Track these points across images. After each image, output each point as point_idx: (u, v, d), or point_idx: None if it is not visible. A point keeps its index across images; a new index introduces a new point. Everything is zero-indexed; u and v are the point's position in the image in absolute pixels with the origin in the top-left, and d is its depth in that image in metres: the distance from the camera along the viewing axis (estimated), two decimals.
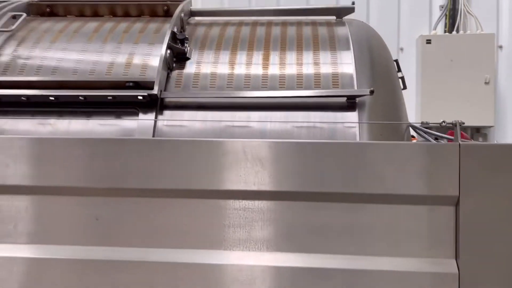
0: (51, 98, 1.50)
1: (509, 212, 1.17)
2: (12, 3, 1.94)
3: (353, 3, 1.93)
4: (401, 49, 4.13)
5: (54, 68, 1.64)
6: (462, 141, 1.21)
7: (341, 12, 1.92)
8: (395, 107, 1.65)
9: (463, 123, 1.25)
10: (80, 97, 1.50)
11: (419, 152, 1.22)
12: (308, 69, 1.62)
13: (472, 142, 1.34)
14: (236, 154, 1.17)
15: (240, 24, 1.89)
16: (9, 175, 1.22)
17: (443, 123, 1.32)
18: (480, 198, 1.19)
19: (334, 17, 1.92)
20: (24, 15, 1.78)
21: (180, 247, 1.22)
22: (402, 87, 1.81)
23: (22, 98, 1.51)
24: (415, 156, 1.21)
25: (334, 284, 1.19)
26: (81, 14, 1.98)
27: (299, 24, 1.87)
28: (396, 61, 1.84)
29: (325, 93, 1.51)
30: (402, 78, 1.80)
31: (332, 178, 1.21)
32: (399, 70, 1.81)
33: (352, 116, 1.50)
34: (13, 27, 1.71)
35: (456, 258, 1.20)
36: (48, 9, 1.97)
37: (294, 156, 1.19)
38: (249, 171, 1.17)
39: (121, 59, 1.64)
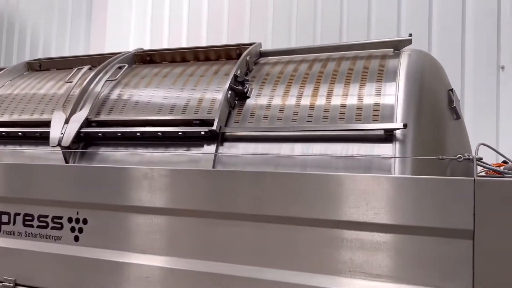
0: (137, 134, 1.89)
1: None
2: (123, 54, 2.43)
3: (410, 35, 1.99)
4: (502, 67, 3.82)
5: (145, 108, 2.04)
6: (478, 176, 1.24)
7: (398, 45, 1.99)
8: (437, 139, 1.68)
9: (481, 158, 1.26)
10: (158, 133, 1.87)
11: (437, 186, 1.28)
12: (352, 101, 1.75)
13: (488, 177, 1.33)
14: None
15: (301, 61, 2.09)
16: (135, 198, 1.60)
17: (460, 157, 1.34)
18: (495, 232, 1.20)
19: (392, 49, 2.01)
20: (126, 66, 2.24)
21: (285, 269, 1.41)
22: (455, 117, 1.82)
23: (118, 134, 1.93)
24: (433, 189, 1.28)
25: None
26: (172, 60, 2.38)
27: (354, 58, 1.99)
28: (451, 90, 1.84)
29: (358, 127, 1.63)
30: (454, 108, 1.80)
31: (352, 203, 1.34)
32: (451, 100, 1.81)
33: (387, 148, 1.59)
34: (117, 76, 2.16)
35: None
36: (148, 58, 2.43)
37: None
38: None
39: (194, 99, 1.97)
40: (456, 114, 1.84)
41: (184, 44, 4.71)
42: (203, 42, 4.58)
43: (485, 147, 2.22)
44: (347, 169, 1.60)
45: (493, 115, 3.57)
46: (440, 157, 1.40)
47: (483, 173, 1.98)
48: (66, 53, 5.20)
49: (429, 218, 1.28)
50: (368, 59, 1.96)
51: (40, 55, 5.50)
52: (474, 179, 1.22)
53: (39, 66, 2.71)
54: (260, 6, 4.42)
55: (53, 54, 5.40)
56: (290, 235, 1.42)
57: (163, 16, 4.84)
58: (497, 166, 2.10)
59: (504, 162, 2.25)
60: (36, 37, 5.58)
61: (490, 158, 2.46)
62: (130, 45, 4.83)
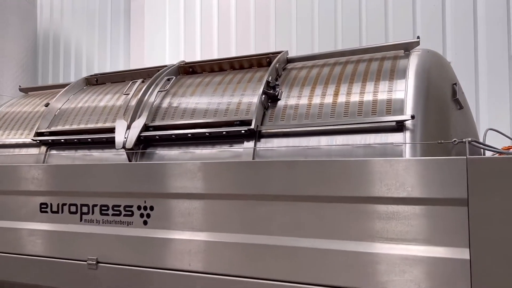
0: (188, 135, 2.26)
1: (507, 210, 1.45)
2: (169, 67, 2.81)
3: (418, 37, 2.27)
4: None
5: (192, 113, 2.40)
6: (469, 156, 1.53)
7: (408, 46, 2.28)
8: (442, 127, 1.97)
9: (474, 140, 1.55)
10: (206, 133, 2.23)
11: (437, 164, 1.58)
12: (368, 98, 2.06)
13: (477, 157, 1.60)
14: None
15: (323, 65, 2.41)
16: (191, 187, 1.97)
17: (455, 140, 1.64)
18: (485, 200, 1.49)
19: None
20: (174, 78, 2.62)
21: (316, 237, 1.73)
22: (458, 107, 2.10)
23: (172, 136, 2.30)
24: (434, 168, 1.58)
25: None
26: (211, 70, 2.74)
27: (369, 60, 2.30)
28: (454, 84, 2.12)
29: (374, 120, 1.94)
30: (457, 99, 2.08)
31: (368, 183, 1.66)
32: (455, 93, 2.09)
33: (399, 137, 1.90)
34: (167, 87, 2.54)
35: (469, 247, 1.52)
36: (190, 69, 2.80)
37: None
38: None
39: (234, 103, 2.32)
40: (459, 105, 2.12)
41: (215, 54, 5.08)
42: (233, 52, 4.94)
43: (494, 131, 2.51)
44: (365, 156, 1.91)
45: (506, 102, 3.76)
46: (439, 141, 1.70)
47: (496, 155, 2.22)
48: (108, 67, 5.67)
49: (432, 190, 1.57)
50: (381, 60, 2.26)
51: (84, 69, 6.00)
52: (466, 158, 1.52)
53: (96, 81, 3.13)
54: (284, 16, 4.74)
55: (96, 68, 5.89)
56: (318, 210, 1.75)
57: (195, 29, 5.23)
58: (506, 149, 2.36)
59: None
60: (79, 52, 6.09)
61: (503, 142, 2.71)
62: (167, 58, 5.25)
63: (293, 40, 4.66)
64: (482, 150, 2.04)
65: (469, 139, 1.57)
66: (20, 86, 3.65)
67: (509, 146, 2.47)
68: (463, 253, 1.52)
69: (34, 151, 2.79)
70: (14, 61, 4.96)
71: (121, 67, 5.57)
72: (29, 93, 3.50)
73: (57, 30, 6.22)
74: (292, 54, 2.65)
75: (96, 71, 5.75)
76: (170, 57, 5.24)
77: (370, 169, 1.67)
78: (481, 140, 2.33)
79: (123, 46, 5.66)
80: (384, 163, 1.65)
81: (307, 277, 1.73)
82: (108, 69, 5.69)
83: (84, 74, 5.91)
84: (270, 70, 2.35)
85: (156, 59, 5.08)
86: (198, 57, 5.13)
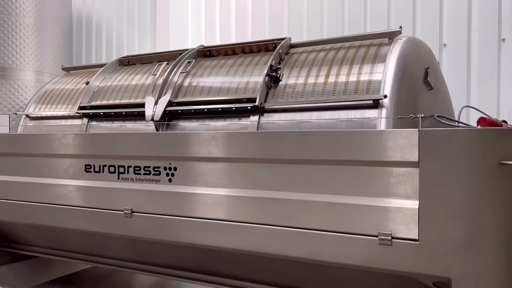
0: (205, 110, 2.73)
1: (448, 169, 1.86)
2: (189, 51, 3.26)
3: (400, 27, 2.64)
4: (503, 40, 4.17)
5: (208, 91, 2.86)
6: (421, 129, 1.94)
7: (392, 35, 2.66)
8: (412, 104, 2.36)
9: (423, 116, 1.96)
10: (219, 109, 2.69)
11: (398, 134, 1.99)
12: (353, 79, 2.46)
13: (427, 129, 1.97)
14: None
15: (319, 50, 2.81)
16: (206, 152, 2.42)
17: (411, 116, 2.04)
18: (432, 162, 1.90)
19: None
20: (193, 60, 3.07)
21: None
22: (429, 88, 2.48)
23: (192, 110, 2.77)
24: (396, 137, 1.99)
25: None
26: (225, 54, 3.18)
27: (358, 46, 2.69)
28: (427, 68, 2.50)
29: (356, 98, 2.35)
30: (427, 82, 2.46)
31: (348, 151, 2.08)
32: (426, 76, 2.47)
33: (375, 113, 2.31)
34: (188, 69, 3.00)
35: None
36: (208, 53, 3.24)
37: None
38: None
39: (242, 83, 2.76)
40: (430, 86, 2.50)
41: (233, 38, 5.50)
42: (249, 36, 5.34)
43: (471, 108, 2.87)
44: (347, 128, 2.34)
45: (494, 83, 4.06)
46: (399, 116, 2.11)
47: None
48: (136, 49, 6.17)
49: (394, 155, 1.98)
50: (368, 47, 2.65)
51: (114, 50, 6.51)
52: (419, 129, 1.92)
53: (128, 62, 3.61)
54: (296, 4, 5.10)
55: (125, 49, 6.39)
56: (308, 172, 2.18)
57: (215, 15, 5.65)
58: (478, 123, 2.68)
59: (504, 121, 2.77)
60: (110, 34, 6.59)
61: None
62: (189, 41, 5.69)
63: (304, 26, 5.02)
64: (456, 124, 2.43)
65: (436, 114, 1.96)
66: (62, 66, 4.17)
67: (481, 119, 2.80)
68: (414, 204, 1.95)
69: (77, 122, 3.32)
70: (53, 41, 5.49)
71: (148, 49, 6.05)
72: (70, 72, 4.02)
73: (90, 12, 6.72)
74: (303, 38, 3.05)
75: (125, 52, 6.25)
76: (192, 40, 5.69)
77: (348, 138, 2.08)
78: (456, 117, 2.72)
79: (149, 30, 6.12)
80: (357, 134, 2.07)
81: (289, 221, 2.19)
82: (136, 50, 6.17)
83: (115, 54, 6.43)
84: (274, 54, 2.77)
85: (179, 42, 5.54)
86: (217, 40, 5.54)
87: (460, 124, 2.38)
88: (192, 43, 5.62)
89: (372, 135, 2.02)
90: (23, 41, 5.08)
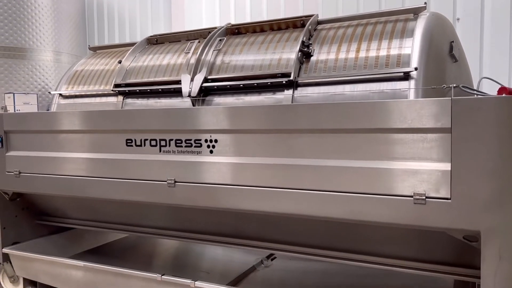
0: (240, 85, 2.89)
1: (477, 134, 2.05)
2: (219, 29, 3.39)
3: (425, 3, 2.80)
4: (458, 19, 4.30)
5: (241, 67, 3.02)
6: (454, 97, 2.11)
7: (417, 10, 2.81)
8: (439, 76, 2.54)
9: (464, 86, 2.13)
10: (254, 84, 2.86)
11: (431, 103, 2.16)
12: (383, 53, 2.63)
13: (459, 97, 2.15)
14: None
15: (347, 26, 2.96)
16: (243, 124, 2.59)
17: (444, 86, 2.22)
18: (463, 129, 2.09)
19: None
20: (225, 38, 3.21)
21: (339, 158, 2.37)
22: (454, 60, 2.65)
23: (227, 86, 2.94)
24: (429, 106, 2.17)
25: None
26: (254, 31, 3.32)
27: (385, 22, 2.84)
28: (452, 41, 2.67)
29: (386, 71, 2.52)
30: (452, 54, 2.64)
31: (385, 119, 2.26)
32: (451, 49, 2.64)
33: (405, 84, 2.48)
34: (220, 47, 3.15)
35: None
36: (236, 30, 3.38)
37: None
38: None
39: (275, 59, 2.92)
40: (455, 58, 2.68)
41: (248, 17, 5.61)
42: (264, 15, 5.46)
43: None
44: (379, 99, 2.52)
45: (506, 55, 4.24)
46: (433, 87, 2.29)
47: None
48: (150, 31, 6.27)
49: (427, 122, 2.17)
50: (395, 22, 2.80)
51: (127, 30, 6.60)
52: (451, 98, 2.10)
53: (156, 41, 3.74)
54: None
55: (138, 30, 6.48)
56: (348, 140, 2.37)
57: None
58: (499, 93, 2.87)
59: None
60: (122, 17, 6.67)
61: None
62: (203, 21, 5.80)
63: (319, 4, 5.14)
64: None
65: (461, 85, 2.14)
66: (89, 46, 4.30)
67: (502, 88, 2.97)
68: (447, 166, 2.14)
69: (112, 99, 3.48)
70: (70, 22, 5.58)
71: (161, 28, 6.14)
72: (97, 51, 4.15)
73: None
74: (320, 16, 3.19)
75: (138, 33, 6.34)
76: (207, 21, 5.79)
77: (385, 108, 2.25)
78: (475, 87, 2.90)
79: (162, 10, 6.20)
80: (392, 104, 2.25)
81: (329, 186, 2.38)
82: (150, 31, 6.26)
83: (128, 35, 6.52)
84: (304, 31, 2.92)
85: (195, 22, 5.65)
86: (232, 20, 5.64)
87: (481, 94, 2.56)
88: (207, 23, 5.72)
89: (408, 104, 2.20)
90: (42, 21, 5.17)
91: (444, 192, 2.14)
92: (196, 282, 2.81)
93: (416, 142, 2.21)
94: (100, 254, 4.15)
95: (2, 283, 3.84)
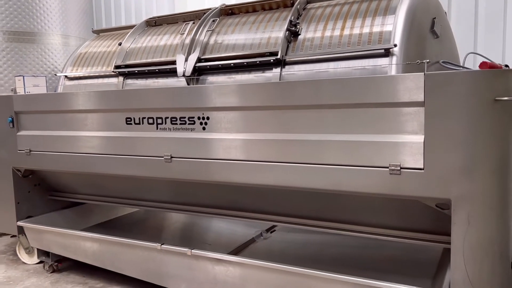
0: (231, 64, 3.02)
1: (449, 107, 2.15)
2: (213, 10, 3.51)
3: None
4: None
5: (233, 46, 3.14)
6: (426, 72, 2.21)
7: None
8: (420, 52, 2.62)
9: (428, 61, 2.23)
10: (244, 63, 2.98)
11: (406, 78, 2.26)
12: (366, 30, 2.72)
13: (439, 72, 2.21)
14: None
15: (335, 5, 3.04)
16: (234, 102, 2.74)
17: (418, 62, 2.31)
18: (435, 102, 2.19)
19: None
20: (218, 19, 3.33)
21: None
22: (435, 36, 2.72)
23: (219, 65, 3.07)
24: (404, 80, 2.27)
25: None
26: (246, 11, 3.42)
27: (371, 0, 2.92)
28: (434, 18, 2.73)
29: (368, 48, 2.61)
30: (433, 31, 2.71)
31: (362, 95, 2.38)
32: (433, 26, 2.71)
33: (386, 61, 2.58)
34: (213, 27, 3.27)
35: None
36: (230, 11, 3.49)
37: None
38: None
39: (264, 38, 3.03)
40: (436, 35, 2.75)
41: None
42: None
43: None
44: (361, 75, 2.62)
45: (500, 32, 4.27)
46: (408, 62, 2.38)
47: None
48: (155, 12, 6.39)
49: (402, 96, 2.27)
50: (380, 0, 2.88)
51: (133, 17, 6.73)
52: (424, 73, 2.20)
53: (154, 23, 3.87)
54: None
55: (144, 11, 6.60)
56: (326, 115, 2.49)
57: None
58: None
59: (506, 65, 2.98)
60: (128, 0, 6.80)
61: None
62: (206, 1, 5.88)
63: None
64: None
65: (441, 60, 2.23)
66: (93, 29, 4.46)
67: (483, 63, 3.02)
68: (420, 138, 2.25)
69: (113, 80, 3.65)
70: (76, 5, 5.73)
71: (166, 10, 6.26)
72: (100, 34, 4.31)
73: None
74: None
75: (144, 15, 6.46)
76: (208, 1, 5.88)
77: (362, 84, 2.36)
78: (462, 63, 2.96)
79: None
80: (368, 79, 2.35)
81: (312, 159, 2.52)
82: (154, 12, 6.39)
83: (134, 18, 6.66)
84: (292, 10, 3.02)
85: (197, 3, 5.75)
86: (229, 0, 5.72)
87: (463, 69, 2.64)
88: (209, 3, 5.80)
89: (383, 80, 2.31)
90: (50, 6, 5.33)
91: (418, 163, 2.26)
92: (192, 251, 3.01)
93: (391, 116, 2.32)
94: (110, 227, 4.39)
95: (18, 254, 4.13)
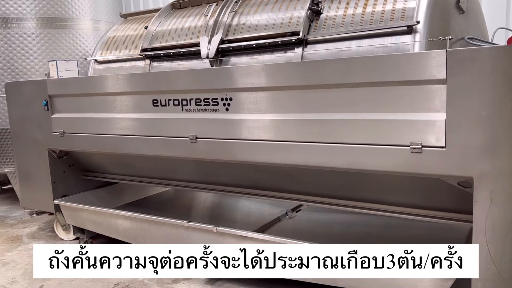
0: (254, 45, 3.05)
1: (472, 84, 2.11)
2: None
3: None
4: None
5: (255, 27, 3.15)
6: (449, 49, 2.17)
7: None
8: (444, 29, 2.56)
9: (451, 38, 2.18)
10: (266, 43, 3.00)
11: (427, 56, 2.23)
12: (389, 7, 2.68)
13: (461, 48, 2.16)
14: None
15: None
16: (257, 82, 2.76)
17: (440, 38, 2.27)
18: (457, 79, 2.16)
19: None
20: (240, 0, 3.35)
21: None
22: (461, 12, 2.65)
23: (242, 46, 3.10)
24: (425, 58, 2.24)
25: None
26: None
27: None
28: None
29: (391, 25, 2.58)
30: (459, 6, 2.63)
31: (384, 73, 2.37)
32: (458, 1, 2.64)
33: (408, 38, 2.54)
34: (236, 8, 3.29)
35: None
36: None
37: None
38: None
39: (286, 18, 3.03)
40: (461, 10, 2.67)
41: None
42: None
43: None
44: (384, 53, 2.60)
45: None
46: (430, 39, 2.34)
47: None
48: None
49: (424, 74, 2.24)
50: None
51: (161, 0, 6.80)
52: (446, 50, 2.16)
53: (179, 5, 3.93)
54: None
55: None
56: (349, 94, 2.49)
57: None
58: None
59: None
60: None
61: None
62: None
63: None
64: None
65: (466, 37, 2.19)
66: (120, 13, 4.56)
67: (510, 38, 2.92)
68: (442, 116, 2.23)
69: (140, 63, 3.74)
70: None
71: None
72: (127, 18, 4.40)
73: None
74: None
75: None
76: None
77: (384, 62, 2.34)
78: (489, 39, 2.89)
79: None
80: (390, 57, 2.33)
81: (333, 138, 2.53)
82: None
83: (161, 0, 6.73)
84: None
85: None
86: None
87: (491, 45, 2.57)
88: None
89: (405, 58, 2.28)
90: None
91: (440, 141, 2.24)
92: (218, 228, 3.10)
93: (413, 94, 2.30)
94: (140, 206, 4.55)
95: (56, 230, 4.36)
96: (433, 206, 2.68)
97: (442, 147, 2.24)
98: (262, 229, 3.71)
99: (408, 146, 2.32)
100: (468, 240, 3.11)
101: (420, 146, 2.29)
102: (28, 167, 4.26)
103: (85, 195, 4.35)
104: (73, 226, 4.14)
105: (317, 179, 2.94)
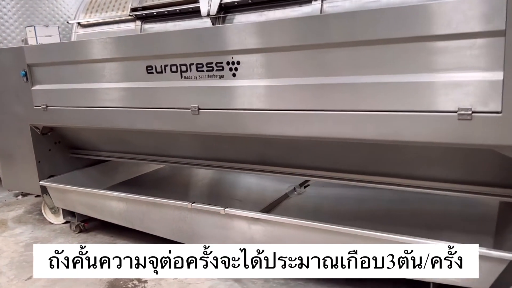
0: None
1: None
2: None
3: None
4: None
5: None
6: None
7: None
8: None
9: None
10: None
11: (481, 3, 1.85)
12: None
13: None
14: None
15: None
16: (278, 41, 2.34)
17: None
18: None
19: None
20: None
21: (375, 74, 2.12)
22: None
23: (249, 1, 2.67)
24: (477, 4, 1.85)
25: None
26: None
27: None
28: None
29: None
30: None
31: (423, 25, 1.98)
32: None
33: None
34: None
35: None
36: None
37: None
38: None
39: None
40: None
41: None
42: None
43: None
44: (418, 3, 2.20)
45: None
46: None
47: None
48: None
49: (476, 24, 1.86)
50: None
51: None
52: None
53: None
54: None
55: None
56: (378, 53, 2.11)
57: None
58: None
59: None
60: None
61: None
62: None
63: None
64: None
65: None
66: None
67: None
68: (498, 75, 1.87)
69: (130, 26, 3.30)
70: None
71: None
72: None
73: None
74: None
75: None
76: None
77: (422, 11, 1.97)
78: None
79: None
80: (433, 6, 1.95)
81: (364, 105, 2.17)
82: None
83: None
84: None
85: None
86: None
87: None
88: None
89: (453, 6, 1.90)
90: None
91: (494, 105, 1.89)
92: (226, 209, 2.76)
93: (462, 50, 1.93)
94: (135, 185, 4.20)
95: (44, 214, 4.00)
96: (465, 179, 2.37)
97: (497, 112, 1.89)
98: (270, 208, 3.39)
99: (455, 112, 1.96)
100: (500, 216, 2.83)
101: (470, 112, 1.94)
102: (9, 145, 3.84)
103: (74, 174, 3.97)
104: (62, 209, 3.77)
105: (329, 152, 2.59)
